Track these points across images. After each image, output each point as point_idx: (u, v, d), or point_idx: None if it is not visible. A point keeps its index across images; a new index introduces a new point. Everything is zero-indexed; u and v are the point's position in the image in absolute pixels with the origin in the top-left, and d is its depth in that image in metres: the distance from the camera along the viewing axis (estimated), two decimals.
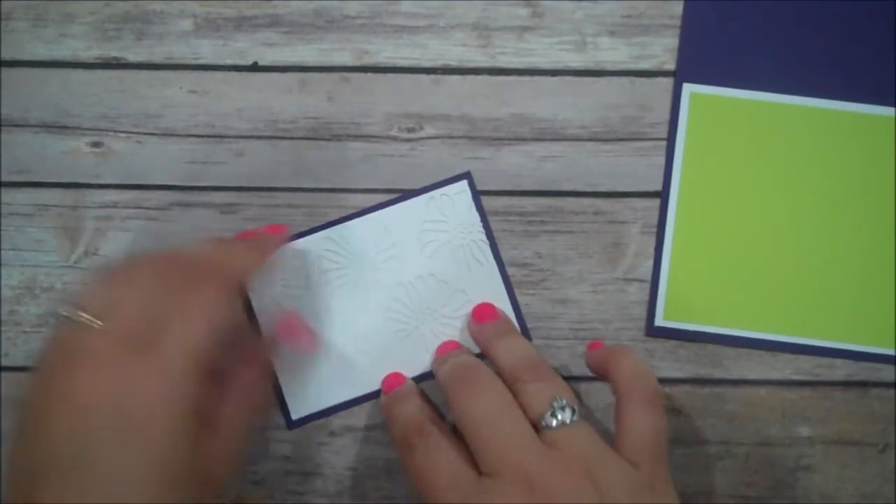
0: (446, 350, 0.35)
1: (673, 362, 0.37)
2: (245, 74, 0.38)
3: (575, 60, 0.38)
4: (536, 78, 0.38)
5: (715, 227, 0.37)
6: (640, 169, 0.37)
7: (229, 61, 0.38)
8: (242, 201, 0.37)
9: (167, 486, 0.27)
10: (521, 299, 0.37)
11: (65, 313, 0.28)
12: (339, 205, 0.37)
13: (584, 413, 0.33)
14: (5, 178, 0.38)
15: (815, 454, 0.37)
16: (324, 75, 0.38)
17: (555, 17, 0.38)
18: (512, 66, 0.38)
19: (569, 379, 0.36)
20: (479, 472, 0.29)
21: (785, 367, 0.37)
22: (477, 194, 0.37)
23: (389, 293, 0.36)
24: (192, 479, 0.28)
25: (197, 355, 0.28)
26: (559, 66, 0.38)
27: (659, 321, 0.37)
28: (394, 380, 0.35)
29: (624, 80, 0.37)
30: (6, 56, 0.38)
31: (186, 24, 0.38)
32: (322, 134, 0.38)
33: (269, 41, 0.38)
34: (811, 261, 0.37)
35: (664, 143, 0.37)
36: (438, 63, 0.38)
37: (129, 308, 0.28)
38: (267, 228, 0.36)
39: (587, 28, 0.38)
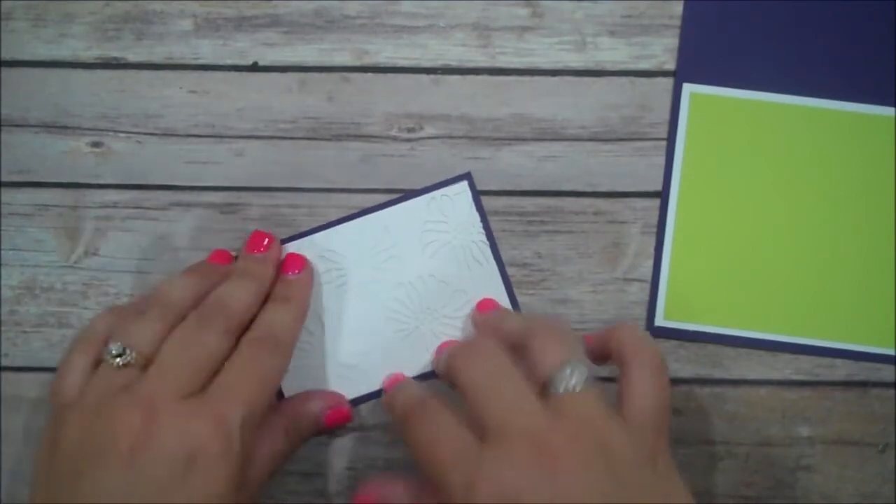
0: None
1: (673, 362, 0.37)
2: (245, 74, 0.38)
3: (575, 60, 0.38)
4: (536, 78, 0.38)
5: (715, 227, 0.37)
6: (640, 169, 0.37)
7: (229, 61, 0.38)
8: (242, 201, 0.37)
9: None
10: (521, 299, 0.37)
11: (114, 357, 0.30)
12: (339, 205, 0.37)
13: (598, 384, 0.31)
14: (5, 178, 0.38)
15: (815, 454, 0.37)
16: (324, 75, 0.38)
17: (555, 17, 0.38)
18: (512, 66, 0.38)
19: None
20: (482, 440, 0.28)
21: (785, 367, 0.37)
22: (477, 195, 0.37)
23: (389, 293, 0.36)
24: None
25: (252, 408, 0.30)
26: (559, 66, 0.38)
27: (659, 321, 0.37)
28: (395, 380, 0.35)
29: (624, 80, 0.37)
30: (6, 56, 0.38)
31: (186, 24, 0.38)
32: (322, 134, 0.38)
33: (269, 41, 0.38)
34: (811, 261, 0.37)
35: (664, 143, 0.37)
36: (438, 63, 0.38)
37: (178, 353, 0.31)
38: (213, 257, 0.36)
39: (587, 28, 0.38)
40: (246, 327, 0.33)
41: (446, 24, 0.38)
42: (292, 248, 0.37)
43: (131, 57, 0.38)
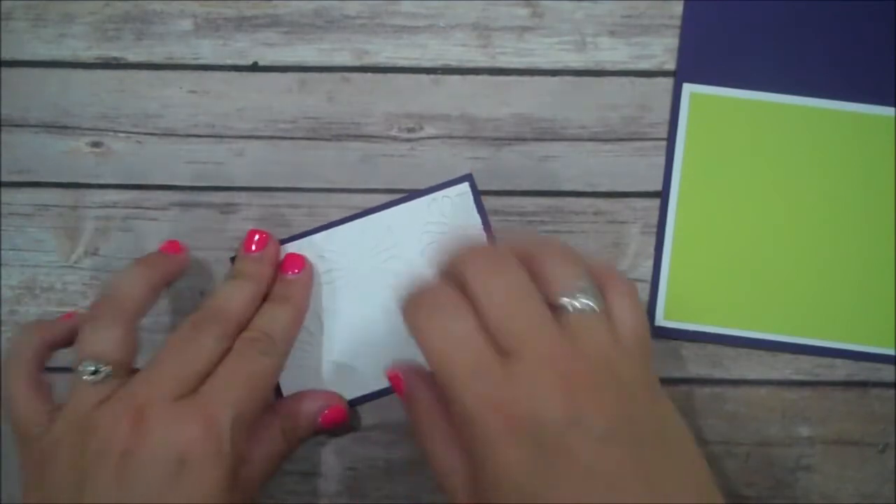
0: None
1: (673, 362, 0.37)
2: (245, 74, 0.38)
3: (575, 60, 0.38)
4: (536, 78, 0.38)
5: (715, 227, 0.37)
6: (640, 169, 0.37)
7: (229, 61, 0.38)
8: (242, 201, 0.37)
9: None
10: None
11: (89, 375, 0.30)
12: (339, 205, 0.37)
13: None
14: (5, 178, 0.38)
15: (815, 454, 0.37)
16: (324, 75, 0.38)
17: (555, 17, 0.38)
18: (512, 66, 0.38)
19: None
20: (502, 355, 0.27)
21: (785, 367, 0.37)
22: (479, 196, 0.37)
23: (389, 294, 0.36)
24: None
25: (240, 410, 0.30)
26: (559, 66, 0.38)
27: (659, 321, 0.37)
28: (396, 374, 0.33)
29: (624, 80, 0.37)
30: (6, 56, 0.38)
31: (186, 24, 0.38)
32: (322, 134, 0.38)
33: (269, 41, 0.38)
34: (811, 261, 0.37)
35: (664, 143, 0.37)
36: (438, 63, 0.38)
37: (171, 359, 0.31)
38: (165, 247, 0.36)
39: (587, 28, 0.38)
40: (244, 328, 0.33)
41: (446, 24, 0.38)
42: (292, 248, 0.37)
43: (131, 57, 0.38)
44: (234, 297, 0.33)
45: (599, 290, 0.29)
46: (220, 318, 0.32)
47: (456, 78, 0.38)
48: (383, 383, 0.36)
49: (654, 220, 0.37)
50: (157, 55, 0.38)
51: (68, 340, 0.33)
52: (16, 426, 0.31)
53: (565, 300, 0.28)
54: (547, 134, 0.37)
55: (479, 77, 0.38)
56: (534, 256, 0.29)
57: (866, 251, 0.37)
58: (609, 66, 0.38)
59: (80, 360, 0.31)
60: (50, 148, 0.38)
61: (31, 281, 0.37)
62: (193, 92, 0.38)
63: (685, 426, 0.28)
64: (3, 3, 0.38)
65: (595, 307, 0.28)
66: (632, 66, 0.38)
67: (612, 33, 0.38)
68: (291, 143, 0.37)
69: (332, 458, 0.37)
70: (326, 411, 0.35)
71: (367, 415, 0.36)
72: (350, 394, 0.36)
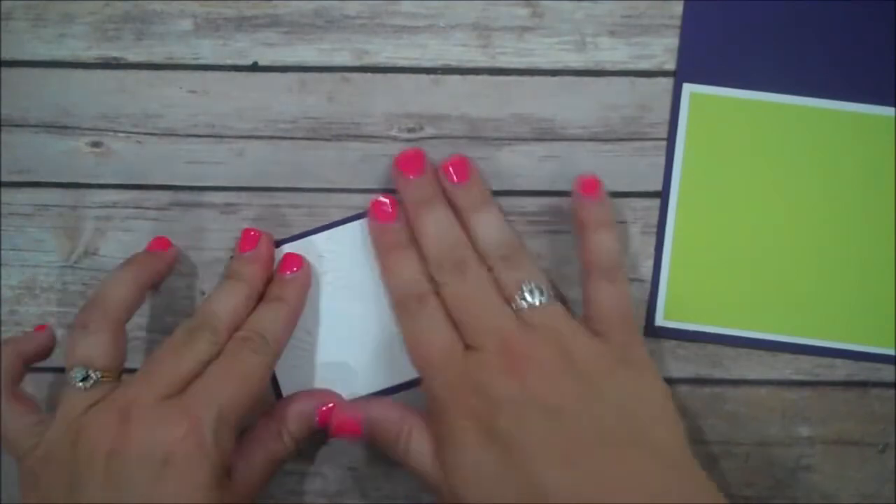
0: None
1: (673, 362, 0.37)
2: (245, 74, 0.38)
3: (575, 60, 0.38)
4: (536, 78, 0.38)
5: (715, 227, 0.37)
6: (640, 169, 0.37)
7: (229, 61, 0.38)
8: (242, 201, 0.37)
9: None
10: None
11: (80, 381, 0.31)
12: (339, 205, 0.37)
13: (559, 296, 0.36)
14: (5, 178, 0.38)
15: (815, 454, 0.37)
16: (324, 75, 0.38)
17: (555, 17, 0.38)
18: (512, 66, 0.38)
19: None
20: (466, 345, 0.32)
21: (785, 367, 0.37)
22: None
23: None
24: None
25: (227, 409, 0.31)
26: (559, 66, 0.38)
27: (659, 321, 0.37)
28: (381, 207, 0.36)
29: (624, 80, 0.37)
30: (6, 56, 0.38)
31: (186, 24, 0.38)
32: (322, 134, 0.38)
33: (269, 41, 0.38)
34: (811, 261, 0.37)
35: (664, 143, 0.37)
36: (438, 63, 0.38)
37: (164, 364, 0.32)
38: (153, 245, 0.36)
39: (587, 28, 0.38)
40: (238, 329, 0.33)
41: (446, 24, 0.38)
42: (292, 248, 0.37)
43: (131, 57, 0.38)
44: (227, 301, 0.33)
45: (583, 273, 0.34)
46: (212, 323, 0.33)
47: (456, 78, 0.38)
48: (382, 384, 0.36)
49: (654, 220, 0.37)
50: (157, 55, 0.38)
51: (44, 353, 0.34)
52: (6, 445, 0.32)
53: (514, 300, 0.33)
54: (547, 134, 0.37)
55: (479, 77, 0.38)
56: (491, 264, 0.34)
57: (866, 251, 0.37)
58: (609, 66, 0.38)
59: (70, 366, 0.31)
60: (50, 148, 0.38)
61: (31, 281, 0.37)
62: (193, 92, 0.38)
63: (658, 401, 0.32)
64: (3, 3, 0.38)
65: (543, 301, 0.33)
66: (632, 66, 0.38)
67: (612, 33, 0.38)
68: (291, 143, 0.37)
69: (332, 458, 0.37)
70: (323, 410, 0.35)
71: None
72: (350, 393, 0.36)
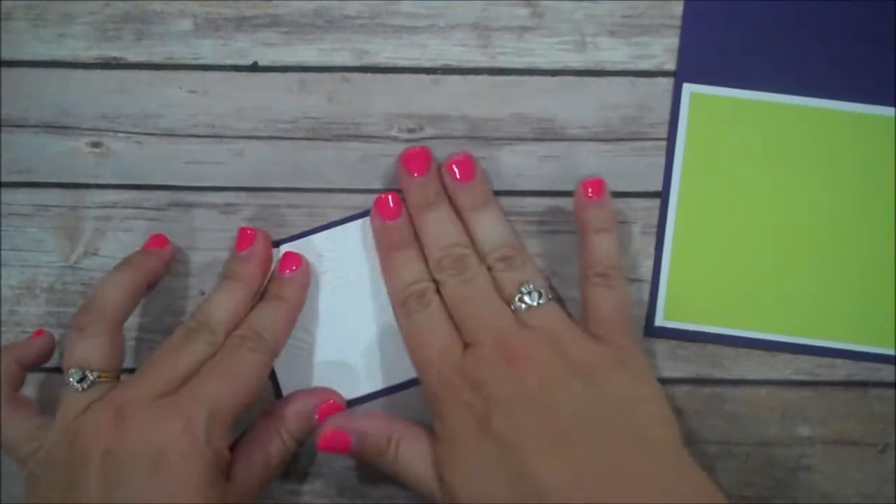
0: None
1: (673, 362, 0.37)
2: (245, 74, 0.38)
3: (575, 60, 0.38)
4: (536, 78, 0.38)
5: (715, 227, 0.37)
6: (640, 169, 0.37)
7: (229, 61, 0.38)
8: (242, 201, 0.37)
9: None
10: None
11: (77, 382, 0.31)
12: (338, 205, 0.37)
13: (557, 298, 0.36)
14: (5, 178, 0.38)
15: (815, 454, 0.37)
16: (324, 75, 0.38)
17: (555, 17, 0.38)
18: (512, 66, 0.38)
19: None
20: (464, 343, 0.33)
21: (785, 367, 0.37)
22: None
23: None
24: None
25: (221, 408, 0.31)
26: (559, 66, 0.38)
27: (659, 321, 0.37)
28: (386, 205, 0.35)
29: (624, 80, 0.37)
30: (6, 56, 0.38)
31: (186, 24, 0.38)
32: (322, 134, 0.38)
33: (269, 41, 0.38)
34: (811, 261, 0.37)
35: (664, 143, 0.37)
36: (438, 63, 0.38)
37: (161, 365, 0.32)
38: (149, 244, 0.36)
39: (587, 28, 0.38)
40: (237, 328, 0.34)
41: (446, 24, 0.38)
42: (292, 248, 0.37)
43: (131, 57, 0.38)
44: (225, 302, 0.34)
45: (582, 277, 0.34)
46: (210, 324, 0.33)
47: (456, 78, 0.38)
48: (382, 383, 0.36)
49: (654, 220, 0.37)
50: (157, 55, 0.38)
51: (43, 358, 0.34)
52: (7, 450, 0.32)
53: (513, 300, 0.33)
54: (547, 134, 0.37)
55: (479, 77, 0.38)
56: (490, 264, 0.34)
57: (866, 251, 0.37)
58: (609, 66, 0.38)
59: (67, 368, 0.32)
60: (50, 148, 0.38)
61: (31, 281, 0.37)
62: (193, 92, 0.38)
63: (655, 403, 0.32)
64: (3, 3, 0.38)
65: (541, 303, 0.33)
66: (632, 66, 0.38)
67: (612, 33, 0.38)
68: (291, 143, 0.37)
69: (332, 458, 0.37)
70: (321, 408, 0.35)
71: None
72: (349, 394, 0.36)
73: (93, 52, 0.38)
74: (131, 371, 0.33)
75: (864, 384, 0.37)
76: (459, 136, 0.37)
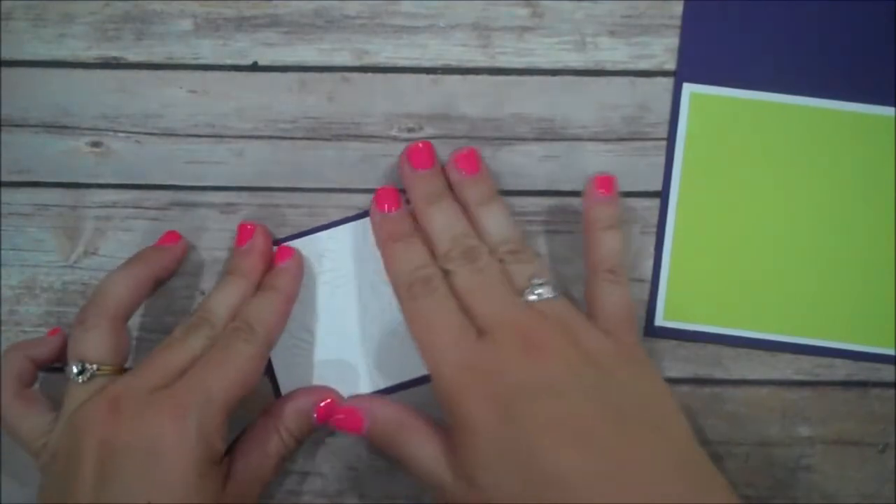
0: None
1: (673, 362, 0.37)
2: (245, 74, 0.38)
3: (575, 60, 0.38)
4: (536, 78, 0.38)
5: (715, 227, 0.37)
6: (640, 169, 0.37)
7: (229, 61, 0.38)
8: (242, 201, 0.37)
9: None
10: None
11: (77, 375, 0.31)
12: (339, 205, 0.37)
13: (565, 294, 0.35)
14: (5, 178, 0.38)
15: (815, 454, 0.37)
16: (324, 75, 0.38)
17: (555, 17, 0.38)
18: (512, 66, 0.38)
19: None
20: (477, 332, 0.32)
21: (785, 367, 0.37)
22: None
23: (389, 293, 0.36)
24: None
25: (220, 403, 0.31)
26: (559, 66, 0.38)
27: (659, 321, 0.37)
28: (385, 197, 0.35)
29: (624, 80, 0.37)
30: (6, 56, 0.38)
31: (186, 24, 0.38)
32: (322, 134, 0.38)
33: (269, 41, 0.38)
34: (811, 261, 0.37)
35: (664, 143, 0.37)
36: (438, 63, 0.38)
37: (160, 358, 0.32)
38: (163, 240, 0.36)
39: (587, 28, 0.38)
40: None
41: (446, 24, 0.38)
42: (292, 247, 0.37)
43: (131, 57, 0.38)
44: (225, 297, 0.34)
45: (587, 273, 0.34)
46: (210, 320, 0.33)
47: (456, 78, 0.38)
48: (382, 383, 0.36)
49: (654, 220, 0.37)
50: (157, 55, 0.38)
51: (55, 357, 0.35)
52: (22, 446, 0.32)
53: (523, 292, 0.33)
54: (547, 134, 0.37)
55: (479, 77, 0.38)
56: (500, 257, 0.34)
57: (866, 251, 0.37)
58: (609, 66, 0.38)
59: (69, 361, 0.32)
60: (50, 148, 0.38)
61: (31, 281, 0.37)
62: (193, 92, 0.38)
63: (666, 399, 0.32)
64: (3, 3, 0.38)
65: (550, 294, 0.33)
66: (632, 66, 0.38)
67: (612, 33, 0.38)
68: (291, 143, 0.37)
69: (332, 458, 0.37)
70: (320, 406, 0.35)
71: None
72: (349, 393, 0.36)
73: (93, 52, 0.38)
74: None
75: (864, 384, 0.37)
76: (459, 136, 0.37)
